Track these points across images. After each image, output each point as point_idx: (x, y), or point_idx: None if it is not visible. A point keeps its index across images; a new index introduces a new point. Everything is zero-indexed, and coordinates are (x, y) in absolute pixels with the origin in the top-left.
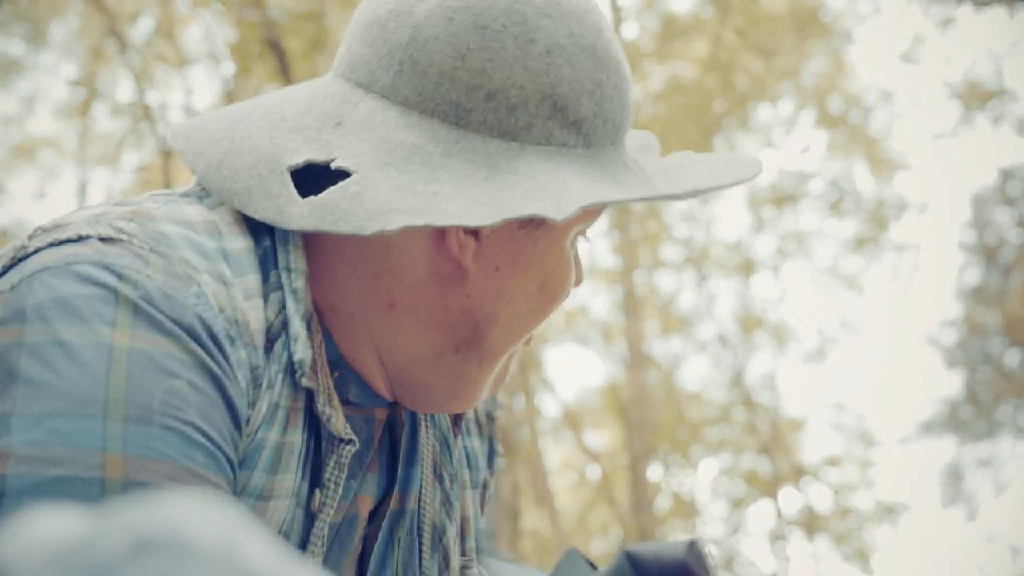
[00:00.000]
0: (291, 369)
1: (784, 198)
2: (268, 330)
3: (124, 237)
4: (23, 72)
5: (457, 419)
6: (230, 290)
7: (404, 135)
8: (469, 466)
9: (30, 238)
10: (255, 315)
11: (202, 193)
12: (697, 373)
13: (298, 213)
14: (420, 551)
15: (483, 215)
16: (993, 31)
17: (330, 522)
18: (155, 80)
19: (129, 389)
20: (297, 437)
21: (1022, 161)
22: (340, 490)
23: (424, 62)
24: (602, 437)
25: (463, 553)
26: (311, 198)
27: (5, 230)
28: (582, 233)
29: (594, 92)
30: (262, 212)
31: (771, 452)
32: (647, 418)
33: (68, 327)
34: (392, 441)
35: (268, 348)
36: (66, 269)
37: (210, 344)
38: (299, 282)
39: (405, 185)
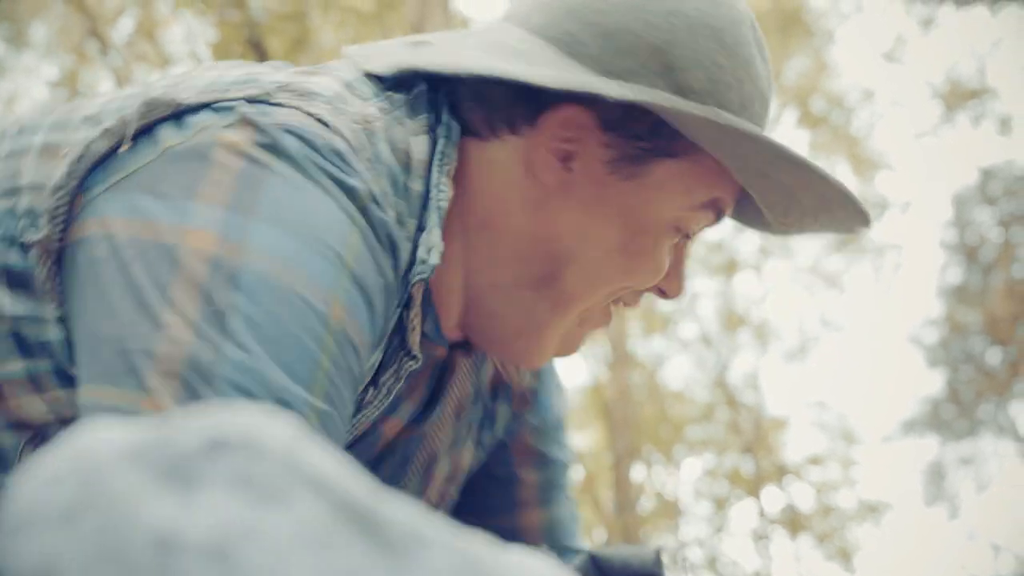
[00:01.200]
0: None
1: None
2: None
3: (359, 145)
4: (4, 73)
5: (498, 381)
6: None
7: (529, 47)
8: (485, 426)
9: (279, 88)
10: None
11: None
12: (680, 372)
13: (473, 62)
14: (407, 470)
15: (605, 90)
16: (975, 30)
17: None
18: (137, 81)
19: (357, 257)
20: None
21: (1003, 160)
22: (391, 396)
23: None
24: (585, 437)
25: (442, 496)
26: (487, 63)
27: None
28: (685, 233)
29: (710, 69)
30: (439, 62)
31: (754, 451)
32: (630, 418)
33: (319, 180)
34: (438, 382)
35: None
36: (318, 141)
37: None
38: (445, 196)
39: (544, 65)
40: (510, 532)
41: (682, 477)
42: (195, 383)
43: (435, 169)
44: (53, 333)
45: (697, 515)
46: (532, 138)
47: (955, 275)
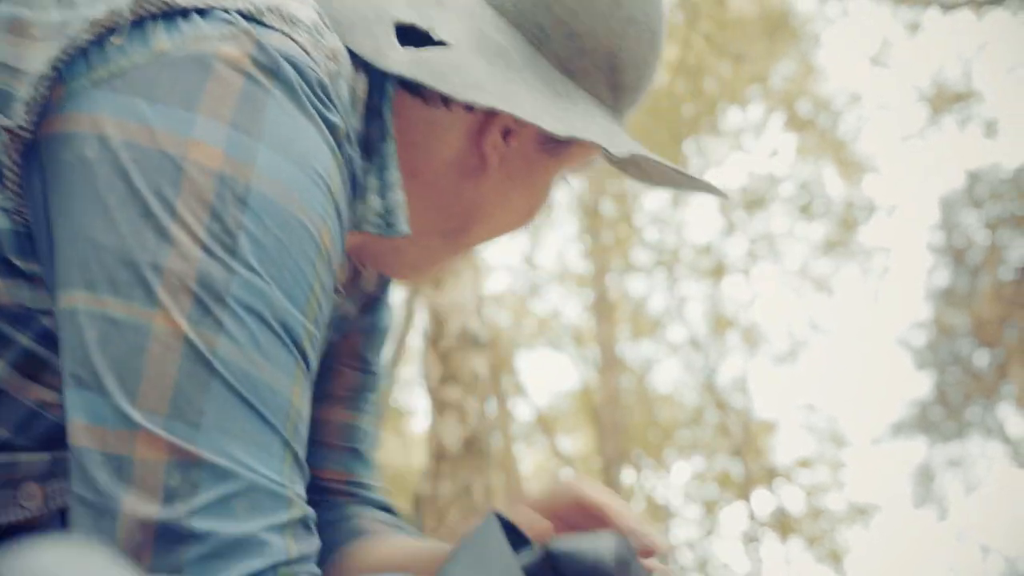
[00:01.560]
0: None
1: (754, 201)
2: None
3: (332, 80)
4: None
5: (355, 282)
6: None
7: (494, 34)
8: (337, 327)
9: (268, 10)
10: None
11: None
12: (669, 376)
13: (398, 59)
14: None
15: (555, 125)
16: (961, 34)
17: None
18: None
19: (337, 189)
20: None
21: (989, 163)
22: None
23: None
24: (575, 441)
25: None
26: (412, 49)
27: None
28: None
29: (640, 68)
30: (361, 48)
31: (743, 454)
32: (620, 422)
33: (308, 111)
34: None
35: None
36: (309, 74)
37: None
38: (392, 147)
39: (493, 74)
40: (312, 421)
41: (672, 480)
42: (207, 301)
43: (388, 120)
44: (1, 220)
45: (687, 518)
46: (486, 121)
47: (943, 278)
